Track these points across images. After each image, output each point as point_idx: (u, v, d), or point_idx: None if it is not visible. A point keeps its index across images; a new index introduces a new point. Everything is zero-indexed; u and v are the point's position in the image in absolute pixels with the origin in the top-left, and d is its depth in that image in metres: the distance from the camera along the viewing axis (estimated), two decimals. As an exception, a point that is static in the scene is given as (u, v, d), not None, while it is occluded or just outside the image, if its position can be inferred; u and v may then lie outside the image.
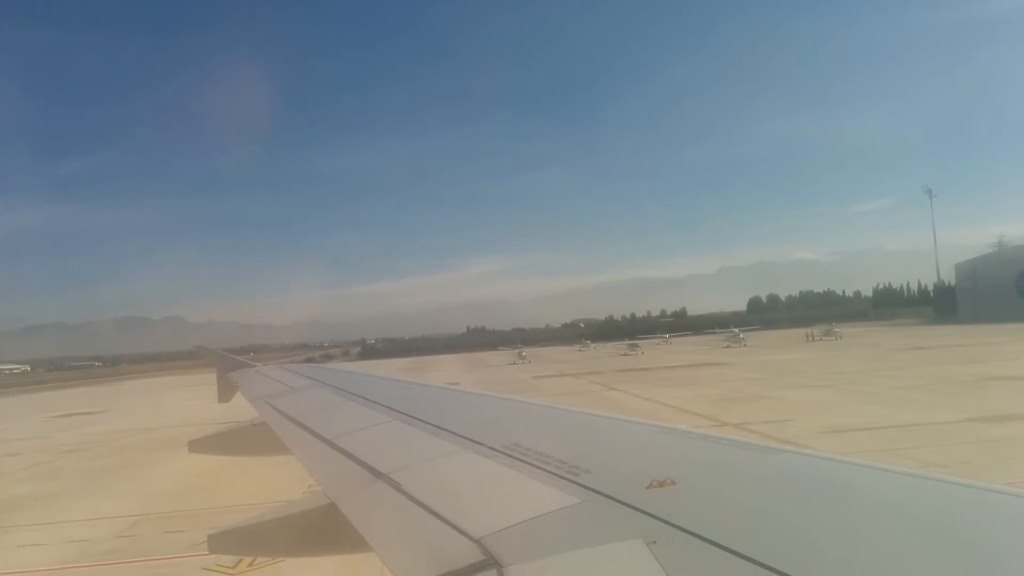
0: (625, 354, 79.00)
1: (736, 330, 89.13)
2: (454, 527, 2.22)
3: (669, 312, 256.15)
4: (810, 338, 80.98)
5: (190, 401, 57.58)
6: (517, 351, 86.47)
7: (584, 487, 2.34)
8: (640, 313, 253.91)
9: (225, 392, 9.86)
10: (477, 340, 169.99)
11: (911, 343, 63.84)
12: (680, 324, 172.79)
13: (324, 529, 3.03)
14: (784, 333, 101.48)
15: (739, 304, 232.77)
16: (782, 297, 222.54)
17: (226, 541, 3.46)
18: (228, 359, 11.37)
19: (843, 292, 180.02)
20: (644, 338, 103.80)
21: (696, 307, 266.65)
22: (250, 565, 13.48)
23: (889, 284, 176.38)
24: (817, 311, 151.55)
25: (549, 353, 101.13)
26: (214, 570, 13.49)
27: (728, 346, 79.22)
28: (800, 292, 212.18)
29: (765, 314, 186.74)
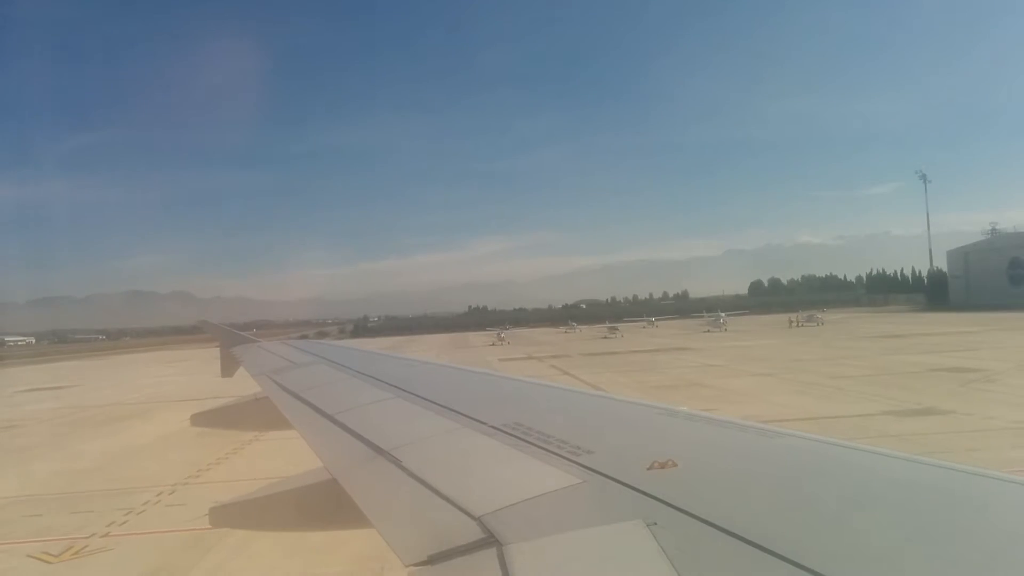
0: (605, 337, 79.07)
1: (723, 314, 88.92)
2: (455, 505, 2.22)
3: (671, 295, 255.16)
4: (792, 324, 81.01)
5: (169, 377, 58.15)
6: (497, 333, 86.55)
7: (585, 467, 2.34)
8: (645, 295, 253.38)
9: (228, 367, 9.80)
10: (477, 320, 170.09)
11: (887, 331, 63.55)
12: (681, 306, 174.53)
13: (325, 504, 3.02)
14: (775, 317, 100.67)
15: (744, 287, 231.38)
16: (783, 281, 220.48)
17: (227, 515, 3.52)
18: (231, 334, 11.34)
19: (845, 276, 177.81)
20: (631, 321, 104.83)
21: (702, 289, 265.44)
22: (76, 554, 13.38)
23: (883, 270, 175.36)
24: (816, 295, 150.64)
25: (534, 335, 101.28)
26: (38, 557, 13.34)
27: (708, 331, 79.19)
28: (802, 276, 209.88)
29: (765, 298, 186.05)
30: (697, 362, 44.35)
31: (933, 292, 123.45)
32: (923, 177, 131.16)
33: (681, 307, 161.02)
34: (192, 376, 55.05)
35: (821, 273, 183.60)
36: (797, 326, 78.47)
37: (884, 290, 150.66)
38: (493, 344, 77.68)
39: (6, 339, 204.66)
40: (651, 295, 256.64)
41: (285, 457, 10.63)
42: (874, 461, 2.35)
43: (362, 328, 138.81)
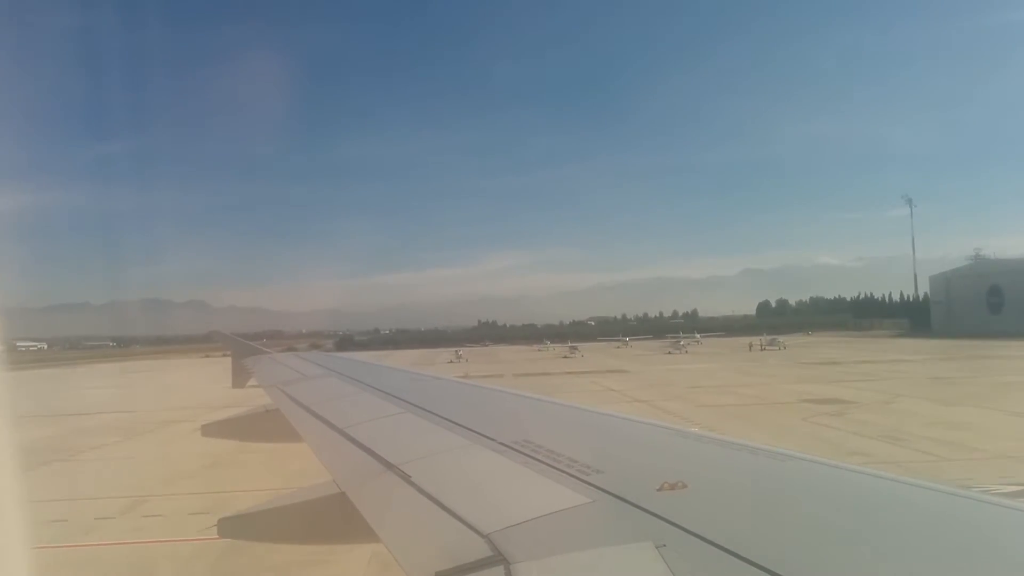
0: (565, 357, 79.75)
1: (697, 336, 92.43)
2: (463, 522, 2.23)
3: (680, 313, 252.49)
4: (752, 348, 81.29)
5: (115, 389, 59.02)
6: (455, 351, 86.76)
7: (595, 487, 2.34)
8: (662, 312, 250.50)
9: (239, 377, 9.81)
10: (484, 334, 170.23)
11: (834, 357, 63.01)
12: (689, 325, 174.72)
13: (334, 518, 3.05)
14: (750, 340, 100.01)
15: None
16: (791, 302, 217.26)
17: (236, 526, 3.52)
18: (242, 344, 11.42)
19: (859, 296, 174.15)
20: (607, 340, 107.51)
21: (717, 309, 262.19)
22: None
23: (871, 294, 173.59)
24: (824, 317, 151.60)
25: (504, 353, 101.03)
26: None
27: (670, 352, 79.71)
28: (810, 298, 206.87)
29: (772, 318, 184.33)
30: (608, 387, 44.14)
31: (916, 318, 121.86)
32: (909, 202, 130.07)
33: (689, 326, 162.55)
34: (148, 389, 56.46)
35: (842, 294, 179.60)
36: (760, 350, 78.77)
37: (873, 315, 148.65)
38: (451, 362, 78.03)
39: (17, 344, 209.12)
40: (661, 313, 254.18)
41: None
42: (885, 486, 2.35)
43: (347, 342, 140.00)
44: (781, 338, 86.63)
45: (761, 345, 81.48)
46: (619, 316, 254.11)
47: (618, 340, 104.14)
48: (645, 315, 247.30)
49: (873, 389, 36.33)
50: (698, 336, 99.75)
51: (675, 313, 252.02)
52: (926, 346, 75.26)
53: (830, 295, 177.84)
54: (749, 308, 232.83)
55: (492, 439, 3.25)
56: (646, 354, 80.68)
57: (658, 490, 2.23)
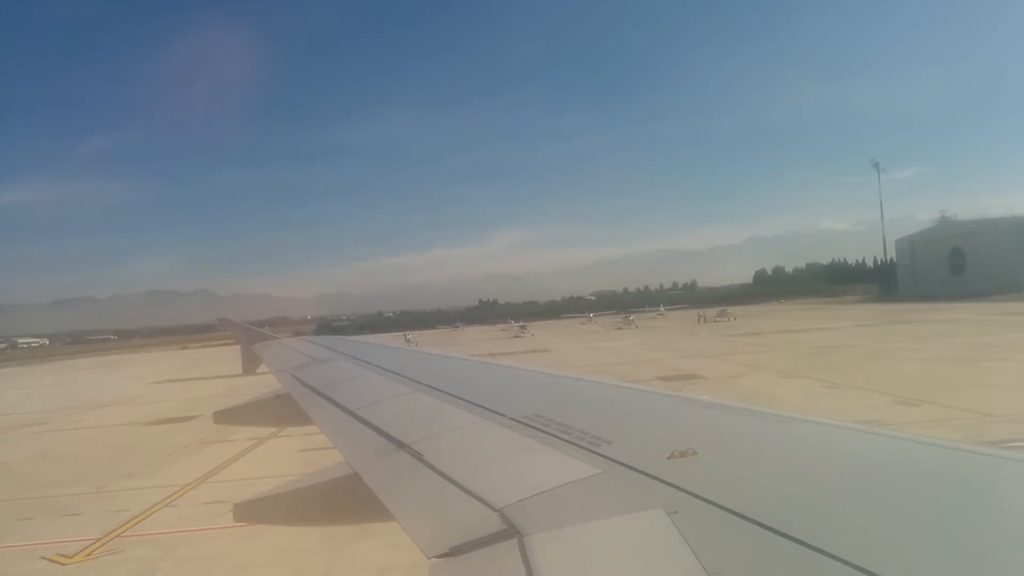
0: (516, 336, 79.81)
1: (663, 307, 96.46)
2: (475, 497, 2.24)
3: (680, 285, 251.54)
4: (700, 320, 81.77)
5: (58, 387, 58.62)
6: (404, 335, 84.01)
7: (605, 457, 2.35)
8: (666, 284, 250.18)
9: (249, 364, 9.92)
10: (486, 313, 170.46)
11: (779, 326, 62.92)
12: (689, 296, 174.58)
13: (347, 499, 3.06)
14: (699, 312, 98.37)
15: (764, 274, 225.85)
16: (788, 269, 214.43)
17: (251, 510, 3.57)
18: (251, 331, 11.44)
19: (862, 260, 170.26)
20: (570, 317, 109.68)
21: (722, 278, 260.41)
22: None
23: (838, 259, 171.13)
24: (820, 284, 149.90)
25: (466, 335, 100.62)
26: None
27: (620, 327, 79.85)
28: (807, 264, 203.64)
29: (768, 286, 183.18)
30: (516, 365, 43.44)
31: (884, 282, 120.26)
32: (876, 166, 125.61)
33: (689, 297, 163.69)
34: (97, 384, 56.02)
35: (846, 258, 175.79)
36: (706, 322, 79.23)
37: (847, 280, 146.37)
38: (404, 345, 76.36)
39: (19, 341, 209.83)
40: (661, 285, 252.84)
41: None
42: (895, 446, 2.34)
43: (325, 327, 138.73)
44: (730, 309, 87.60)
45: (706, 318, 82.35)
46: (623, 290, 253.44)
47: (582, 317, 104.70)
48: (646, 288, 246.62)
49: (744, 363, 36.33)
50: (662, 309, 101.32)
51: (675, 285, 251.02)
52: (872, 311, 76.15)
53: (836, 259, 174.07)
54: (752, 277, 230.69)
55: (502, 414, 3.26)
56: (599, 331, 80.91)
57: (668, 458, 2.23)
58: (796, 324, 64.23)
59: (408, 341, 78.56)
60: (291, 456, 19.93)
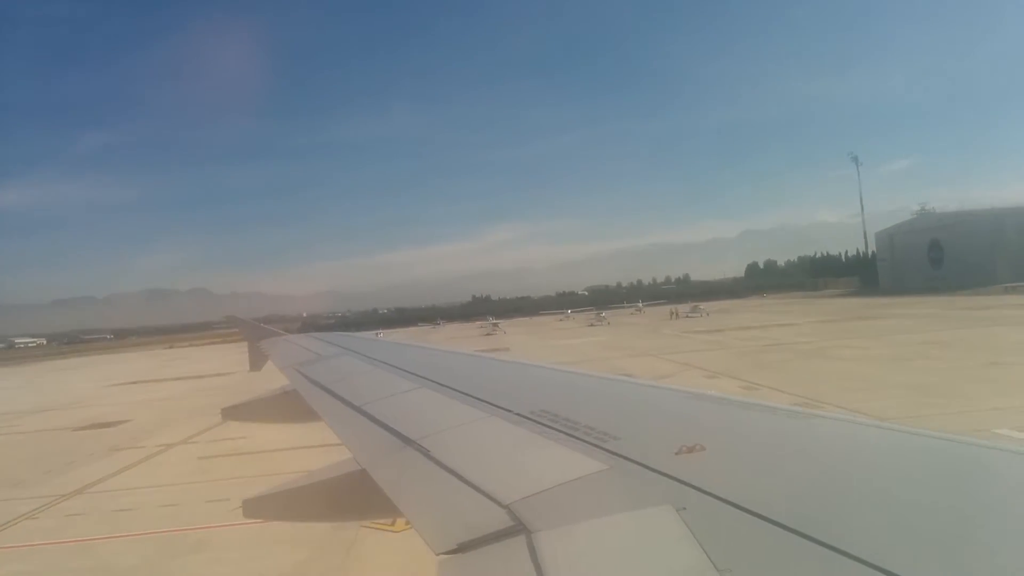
0: (488, 334, 80.00)
1: (641, 303, 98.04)
2: (483, 493, 2.23)
3: (672, 279, 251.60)
4: (672, 316, 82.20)
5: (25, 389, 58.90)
6: (376, 333, 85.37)
7: (613, 453, 2.33)
8: (660, 278, 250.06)
9: (256, 361, 9.94)
10: (478, 309, 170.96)
11: (732, 324, 62.66)
12: (681, 290, 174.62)
13: (355, 495, 3.05)
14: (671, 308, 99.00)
15: (759, 267, 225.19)
16: (780, 263, 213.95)
17: (260, 506, 3.57)
18: (258, 328, 11.47)
19: (846, 253, 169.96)
20: (549, 313, 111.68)
21: (716, 272, 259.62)
22: None
23: (828, 252, 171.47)
24: (809, 277, 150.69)
25: (443, 331, 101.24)
26: None
27: (592, 324, 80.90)
28: (798, 257, 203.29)
29: (760, 280, 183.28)
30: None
31: (864, 275, 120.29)
32: (855, 159, 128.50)
33: (680, 291, 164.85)
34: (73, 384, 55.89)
35: (840, 251, 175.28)
36: (675, 318, 79.73)
37: (831, 274, 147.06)
38: None
39: (16, 341, 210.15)
40: (655, 280, 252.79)
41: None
42: (905, 440, 2.31)
43: (311, 325, 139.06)
44: (703, 305, 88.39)
45: (678, 314, 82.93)
46: (616, 284, 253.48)
47: (561, 314, 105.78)
48: (639, 282, 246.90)
49: (683, 361, 36.31)
50: (640, 305, 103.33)
51: (667, 279, 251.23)
52: (843, 306, 76.74)
53: (827, 252, 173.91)
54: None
55: (509, 410, 3.24)
56: (571, 328, 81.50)
57: (676, 454, 2.21)
58: (762, 320, 64.55)
59: (377, 336, 79.81)
60: (188, 463, 20.05)
